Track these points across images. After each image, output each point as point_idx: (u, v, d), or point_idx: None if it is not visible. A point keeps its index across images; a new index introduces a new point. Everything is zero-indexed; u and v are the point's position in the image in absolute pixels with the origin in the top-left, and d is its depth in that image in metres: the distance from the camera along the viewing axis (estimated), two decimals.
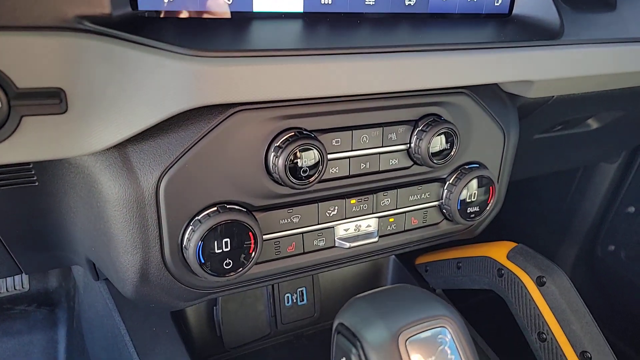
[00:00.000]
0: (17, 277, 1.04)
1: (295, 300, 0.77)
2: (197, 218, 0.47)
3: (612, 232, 1.35)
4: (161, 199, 0.46)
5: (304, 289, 0.77)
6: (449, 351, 0.33)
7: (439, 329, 0.34)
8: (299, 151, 0.47)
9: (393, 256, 0.81)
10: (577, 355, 0.53)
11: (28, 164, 0.47)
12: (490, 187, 0.61)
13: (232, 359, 0.75)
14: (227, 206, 0.48)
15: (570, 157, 1.13)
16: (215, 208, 0.48)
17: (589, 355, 0.52)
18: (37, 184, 0.50)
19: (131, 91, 0.39)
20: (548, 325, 0.55)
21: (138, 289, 0.49)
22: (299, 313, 0.77)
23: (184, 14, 0.45)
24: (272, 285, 0.75)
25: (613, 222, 1.35)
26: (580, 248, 1.42)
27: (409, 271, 0.78)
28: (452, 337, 0.34)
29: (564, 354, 0.54)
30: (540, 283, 0.57)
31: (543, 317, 0.56)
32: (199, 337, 0.73)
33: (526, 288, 0.58)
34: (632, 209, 1.30)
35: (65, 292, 1.10)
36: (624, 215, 1.31)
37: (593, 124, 0.90)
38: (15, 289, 1.04)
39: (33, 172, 0.48)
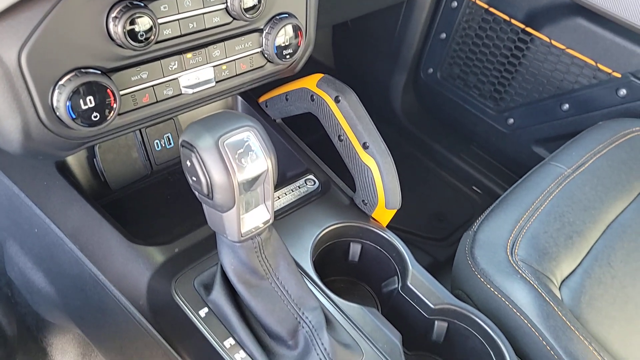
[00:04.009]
0: None
1: (164, 145, 0.93)
2: (60, 83, 0.59)
3: (430, 56, 1.63)
4: (25, 70, 0.57)
5: (169, 134, 0.93)
6: (251, 145, 0.53)
7: (245, 133, 0.54)
8: (134, 18, 0.59)
9: (240, 98, 0.98)
10: (361, 146, 0.78)
11: None
12: (299, 32, 0.78)
13: (121, 197, 0.92)
14: (83, 70, 0.60)
15: None
16: (74, 73, 0.60)
17: (367, 145, 0.77)
18: None
19: None
20: (343, 129, 0.79)
21: (24, 145, 0.62)
22: (168, 154, 0.94)
23: None
24: (141, 135, 0.89)
25: (431, 48, 1.61)
26: (408, 73, 1.69)
27: (253, 108, 0.97)
28: (254, 137, 0.54)
29: (353, 146, 0.78)
30: (337, 100, 0.79)
31: (340, 124, 0.79)
32: (87, 185, 0.87)
33: (329, 106, 0.80)
34: (443, 35, 1.56)
35: None
36: (438, 41, 1.58)
37: None
38: None
39: None
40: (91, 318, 0.85)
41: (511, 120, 1.52)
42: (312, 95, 0.82)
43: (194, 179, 0.54)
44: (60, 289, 0.87)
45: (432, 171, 1.73)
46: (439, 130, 1.75)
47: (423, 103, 1.74)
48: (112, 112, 0.64)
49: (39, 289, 0.91)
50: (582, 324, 0.77)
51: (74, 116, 0.61)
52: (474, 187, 1.70)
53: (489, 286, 0.79)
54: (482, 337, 0.72)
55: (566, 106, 1.36)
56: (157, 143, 0.92)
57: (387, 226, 0.84)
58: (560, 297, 0.80)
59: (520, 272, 0.79)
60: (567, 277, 0.84)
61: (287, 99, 0.89)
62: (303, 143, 0.92)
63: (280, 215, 0.81)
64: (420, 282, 0.76)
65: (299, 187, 0.86)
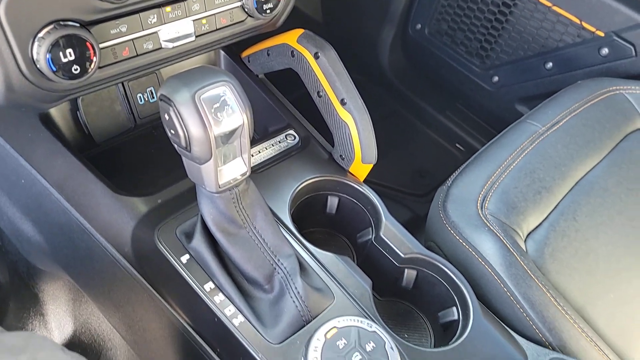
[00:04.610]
0: None
1: (147, 99, 0.94)
2: (39, 35, 0.60)
3: (419, 12, 1.61)
4: (4, 23, 0.57)
5: (152, 88, 0.94)
6: (227, 99, 0.55)
7: (221, 88, 0.56)
8: None
9: (223, 53, 0.99)
10: (339, 102, 0.80)
11: None
12: None
13: (106, 150, 0.94)
14: (62, 23, 0.61)
15: None
16: (53, 26, 0.60)
17: (345, 101, 0.79)
18: None
19: None
20: (322, 85, 0.81)
21: (6, 97, 0.64)
22: (152, 108, 0.95)
23: None
24: (124, 89, 0.90)
25: (420, 3, 1.60)
26: (396, 29, 1.68)
27: (236, 63, 0.97)
28: (230, 92, 0.56)
29: (332, 102, 0.80)
30: (316, 57, 0.80)
31: (319, 80, 0.80)
32: (71, 137, 0.89)
33: (308, 62, 0.81)
34: None
35: None
36: None
37: None
38: None
39: None
40: (79, 265, 0.89)
41: (496, 78, 1.53)
42: (292, 51, 0.83)
43: (173, 132, 0.56)
44: (49, 238, 0.90)
45: (417, 128, 1.76)
46: (426, 88, 1.76)
47: (410, 60, 1.74)
48: (93, 65, 0.65)
49: (28, 237, 0.94)
50: (543, 273, 0.82)
51: (54, 69, 0.62)
52: (458, 145, 1.73)
53: (458, 238, 0.83)
54: (447, 283, 0.77)
55: (550, 64, 1.37)
56: (140, 97, 0.93)
57: (370, 182, 0.88)
58: (524, 249, 0.85)
59: (489, 225, 0.83)
60: (533, 230, 0.88)
61: (268, 55, 0.90)
62: (285, 98, 0.94)
63: (261, 169, 0.84)
64: (392, 233, 0.80)
65: (280, 142, 0.88)
